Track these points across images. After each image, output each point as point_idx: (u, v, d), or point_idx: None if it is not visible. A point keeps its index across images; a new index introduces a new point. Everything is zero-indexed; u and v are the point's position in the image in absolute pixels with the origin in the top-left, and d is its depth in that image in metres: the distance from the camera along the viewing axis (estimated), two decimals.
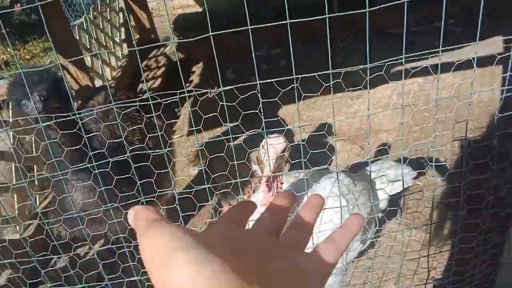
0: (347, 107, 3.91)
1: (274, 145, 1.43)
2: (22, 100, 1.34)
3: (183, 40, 0.94)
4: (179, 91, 1.03)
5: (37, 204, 2.44)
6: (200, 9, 5.81)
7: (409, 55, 1.04)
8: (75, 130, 1.06)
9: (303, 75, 0.99)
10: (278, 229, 0.48)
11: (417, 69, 1.29)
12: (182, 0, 5.95)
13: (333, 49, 4.44)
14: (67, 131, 1.15)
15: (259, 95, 1.00)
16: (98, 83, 3.75)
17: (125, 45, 4.70)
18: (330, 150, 2.73)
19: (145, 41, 5.17)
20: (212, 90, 1.02)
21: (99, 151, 1.07)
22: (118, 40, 4.61)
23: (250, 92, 1.02)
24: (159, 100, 0.98)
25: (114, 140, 1.27)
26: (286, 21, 0.92)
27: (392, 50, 1.25)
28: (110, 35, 4.39)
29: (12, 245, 1.67)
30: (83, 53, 3.46)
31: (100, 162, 1.02)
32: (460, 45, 1.24)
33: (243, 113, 1.02)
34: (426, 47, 1.20)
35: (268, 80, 0.99)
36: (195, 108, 1.02)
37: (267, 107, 1.01)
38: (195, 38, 0.93)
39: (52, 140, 1.19)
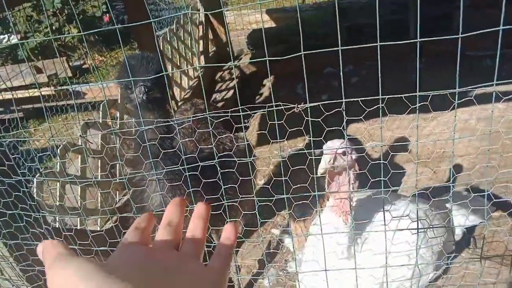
0: (420, 129, 3.80)
1: (330, 147, 1.45)
2: (130, 86, 1.36)
3: (276, 58, 1.00)
4: (267, 105, 1.09)
5: (117, 199, 2.63)
6: (274, 25, 5.95)
7: (501, 82, 1.02)
8: (171, 134, 1.15)
9: (390, 96, 1.02)
10: (177, 241, 0.53)
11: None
12: (258, 16, 6.13)
13: (408, 67, 4.36)
14: (164, 135, 1.24)
15: (343, 112, 1.04)
16: (176, 91, 3.97)
17: (202, 57, 4.93)
18: (400, 171, 2.67)
19: (221, 53, 5.39)
20: (299, 106, 1.07)
21: (190, 155, 1.16)
22: (196, 52, 4.85)
23: (335, 110, 1.06)
24: (249, 112, 1.05)
25: (205, 146, 1.35)
26: (369, 45, 0.95)
27: (468, 72, 1.22)
28: (189, 46, 4.63)
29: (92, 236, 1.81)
30: (165, 62, 3.69)
31: (192, 165, 1.10)
32: None
33: (327, 129, 1.06)
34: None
35: (354, 99, 1.02)
36: (281, 121, 1.07)
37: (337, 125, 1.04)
38: (288, 56, 0.98)
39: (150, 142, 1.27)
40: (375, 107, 1.02)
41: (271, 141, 1.19)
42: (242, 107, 1.10)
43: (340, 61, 0.90)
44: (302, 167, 1.08)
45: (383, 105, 1.02)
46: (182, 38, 4.44)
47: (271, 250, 2.78)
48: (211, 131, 1.12)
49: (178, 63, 4.16)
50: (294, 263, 2.42)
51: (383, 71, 1.02)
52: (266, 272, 2.59)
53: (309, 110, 1.05)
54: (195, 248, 0.53)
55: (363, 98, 1.03)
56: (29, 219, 1.29)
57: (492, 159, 3.14)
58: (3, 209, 1.27)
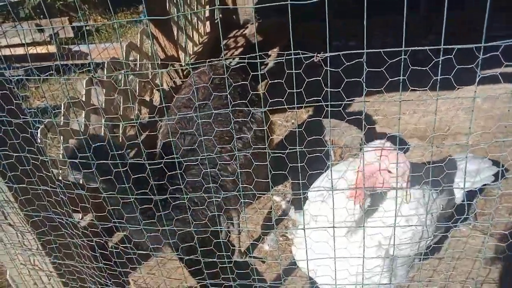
0: (425, 105, 3.77)
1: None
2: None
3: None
4: (285, 52, 1.06)
5: None
6: None
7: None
8: None
9: (412, 48, 0.99)
10: None
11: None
12: None
13: (416, 44, 4.29)
14: None
15: (364, 63, 1.01)
16: (181, 56, 3.90)
17: (208, 23, 4.84)
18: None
19: (227, 21, 5.29)
20: (318, 55, 1.04)
21: None
22: (202, 18, 4.76)
23: (355, 60, 1.03)
24: (266, 60, 1.02)
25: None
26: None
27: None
28: (195, 12, 4.53)
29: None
30: (172, 26, 3.62)
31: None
32: None
33: (346, 80, 1.03)
34: None
35: (376, 50, 0.99)
36: (298, 71, 1.04)
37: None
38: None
39: None
40: (395, 78, 0.99)
41: (287, 91, 1.15)
42: (260, 53, 1.07)
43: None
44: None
45: (405, 77, 0.99)
46: (189, 2, 4.34)
47: (271, 216, 2.79)
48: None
49: (184, 28, 4.08)
50: (293, 230, 2.43)
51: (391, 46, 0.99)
52: (267, 237, 2.61)
53: (328, 60, 1.02)
54: None
55: (386, 50, 1.00)
56: (36, 162, 1.27)
57: (497, 138, 3.13)
58: (10, 151, 1.25)
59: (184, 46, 4.00)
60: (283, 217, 2.76)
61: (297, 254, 1.77)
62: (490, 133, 3.21)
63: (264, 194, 2.85)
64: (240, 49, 4.94)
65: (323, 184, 1.70)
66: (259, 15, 5.59)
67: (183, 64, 3.76)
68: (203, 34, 4.71)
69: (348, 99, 1.04)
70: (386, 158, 1.36)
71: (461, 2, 4.65)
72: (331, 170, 1.21)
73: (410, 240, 1.66)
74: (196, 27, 4.54)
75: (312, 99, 1.16)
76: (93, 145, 1.29)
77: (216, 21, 5.05)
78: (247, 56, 1.07)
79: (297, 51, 1.05)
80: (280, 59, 1.03)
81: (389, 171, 1.36)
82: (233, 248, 2.54)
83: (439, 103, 3.80)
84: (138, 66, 3.12)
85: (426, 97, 3.45)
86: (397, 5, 1.34)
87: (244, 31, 5.30)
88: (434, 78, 1.00)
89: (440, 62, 0.99)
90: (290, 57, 1.05)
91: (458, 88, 3.63)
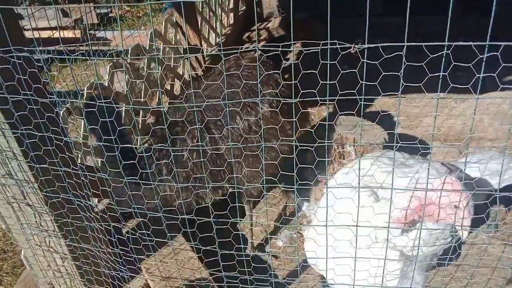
0: (449, 109, 3.68)
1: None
2: None
3: None
4: (321, 42, 1.02)
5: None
6: None
7: None
8: None
9: (457, 43, 0.94)
10: None
11: None
12: None
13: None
14: None
15: (404, 57, 0.97)
16: (204, 45, 3.88)
17: (231, 15, 4.80)
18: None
19: (250, 14, 5.25)
20: (356, 46, 1.00)
21: None
22: (226, 9, 4.73)
23: (394, 54, 0.98)
24: (300, 48, 0.99)
25: None
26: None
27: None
28: (220, 3, 4.50)
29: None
30: (196, 16, 3.60)
31: None
32: None
33: (383, 73, 0.99)
34: None
35: (415, 43, 0.95)
36: (334, 62, 1.00)
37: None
38: None
39: None
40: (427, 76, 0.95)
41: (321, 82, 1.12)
42: (287, 42, 1.03)
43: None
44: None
45: (445, 73, 0.94)
46: None
47: (287, 214, 2.76)
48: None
49: (208, 18, 4.06)
50: (308, 227, 2.39)
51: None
52: (280, 233, 2.58)
53: (365, 52, 0.98)
54: None
55: (426, 44, 0.95)
56: (59, 142, 1.26)
57: None
58: (34, 130, 1.24)
59: (206, 37, 3.98)
60: (297, 214, 2.73)
61: (307, 247, 1.74)
62: None
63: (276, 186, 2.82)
64: (263, 42, 4.90)
65: (344, 180, 1.65)
66: (283, 9, 5.54)
67: (204, 54, 3.74)
68: (226, 25, 4.68)
69: (384, 93, 1.00)
70: (449, 190, 1.30)
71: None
72: (359, 165, 1.17)
73: (424, 241, 1.61)
74: (220, 18, 4.51)
75: (344, 92, 1.12)
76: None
77: (240, 13, 5.02)
78: (281, 44, 1.04)
79: (333, 41, 1.01)
80: (315, 49, 0.99)
81: (456, 206, 1.29)
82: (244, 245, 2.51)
83: (463, 106, 3.71)
84: (161, 54, 3.10)
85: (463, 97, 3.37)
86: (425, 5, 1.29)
87: (267, 24, 5.26)
88: (477, 75, 0.96)
89: (484, 60, 0.94)
90: (326, 47, 1.02)
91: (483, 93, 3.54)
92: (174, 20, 3.31)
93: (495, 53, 0.96)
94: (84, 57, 3.44)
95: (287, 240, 2.52)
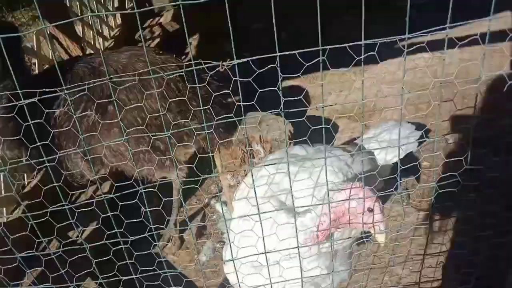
0: (350, 83, 3.75)
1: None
2: None
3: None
4: (185, 63, 0.88)
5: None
6: None
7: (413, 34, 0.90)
8: None
9: (332, 46, 0.86)
10: None
11: (422, 44, 1.18)
12: None
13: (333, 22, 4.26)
14: None
15: (278, 69, 0.86)
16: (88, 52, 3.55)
17: (118, 15, 4.47)
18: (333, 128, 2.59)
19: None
20: (224, 63, 0.87)
21: None
22: (111, 9, 4.38)
23: (269, 66, 0.88)
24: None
25: None
26: None
27: (398, 23, 1.07)
28: (102, 2, 4.15)
29: None
30: (73, 21, 3.25)
31: None
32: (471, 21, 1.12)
33: (259, 90, 0.88)
34: (433, 21, 1.08)
35: (291, 52, 0.85)
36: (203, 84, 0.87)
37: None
38: None
39: None
40: (315, 60, 0.86)
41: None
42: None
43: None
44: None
45: (323, 57, 0.86)
46: None
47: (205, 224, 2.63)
48: None
49: (90, 22, 3.70)
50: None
51: (309, 27, 0.86)
52: (203, 246, 2.44)
53: (236, 68, 0.86)
54: None
55: (302, 51, 0.85)
56: None
57: (421, 110, 3.18)
58: None
59: (92, 43, 3.64)
60: (218, 221, 2.61)
61: (226, 269, 1.65)
62: (413, 104, 3.27)
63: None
64: (157, 40, 4.65)
65: (249, 194, 1.54)
66: (174, 1, 5.29)
67: None
68: (113, 27, 4.34)
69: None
70: (357, 196, 1.24)
71: None
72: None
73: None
74: (105, 20, 4.16)
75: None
76: None
77: (128, 11, 4.69)
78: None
79: (198, 61, 0.88)
80: (179, 72, 0.85)
81: (370, 210, 1.24)
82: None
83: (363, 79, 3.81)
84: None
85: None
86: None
87: (159, 19, 4.99)
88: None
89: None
90: (190, 68, 0.88)
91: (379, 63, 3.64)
92: (48, 32, 2.95)
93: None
94: None
95: (211, 253, 2.40)
